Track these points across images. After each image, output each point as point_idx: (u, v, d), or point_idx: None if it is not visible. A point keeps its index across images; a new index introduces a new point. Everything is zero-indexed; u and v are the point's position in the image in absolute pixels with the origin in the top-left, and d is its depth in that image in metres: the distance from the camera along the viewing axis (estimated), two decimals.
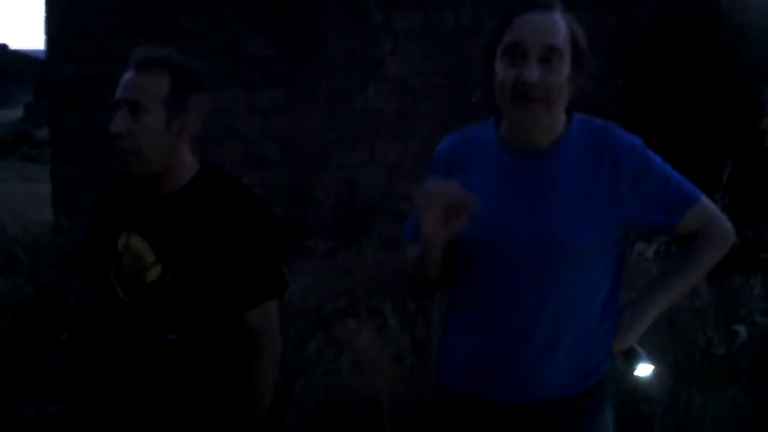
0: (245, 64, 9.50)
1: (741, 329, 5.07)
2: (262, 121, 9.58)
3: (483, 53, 2.48)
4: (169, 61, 2.64)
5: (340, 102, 9.48)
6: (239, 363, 2.75)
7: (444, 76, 9.43)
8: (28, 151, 30.14)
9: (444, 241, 2.39)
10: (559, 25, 2.38)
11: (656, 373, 3.97)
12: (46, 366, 5.42)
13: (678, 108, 8.28)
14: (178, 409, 2.68)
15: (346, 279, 6.85)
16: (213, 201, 2.67)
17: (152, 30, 9.01)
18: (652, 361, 2.59)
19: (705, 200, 2.53)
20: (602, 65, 8.25)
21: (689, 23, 8.65)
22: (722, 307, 5.50)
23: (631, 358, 2.56)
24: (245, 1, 9.46)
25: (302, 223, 8.90)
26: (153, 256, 2.63)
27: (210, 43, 9.42)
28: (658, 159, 2.50)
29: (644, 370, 2.55)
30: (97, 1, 9.45)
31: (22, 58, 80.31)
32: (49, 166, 10.25)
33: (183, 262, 2.62)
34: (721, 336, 5.12)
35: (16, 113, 43.01)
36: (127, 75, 2.61)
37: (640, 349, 2.55)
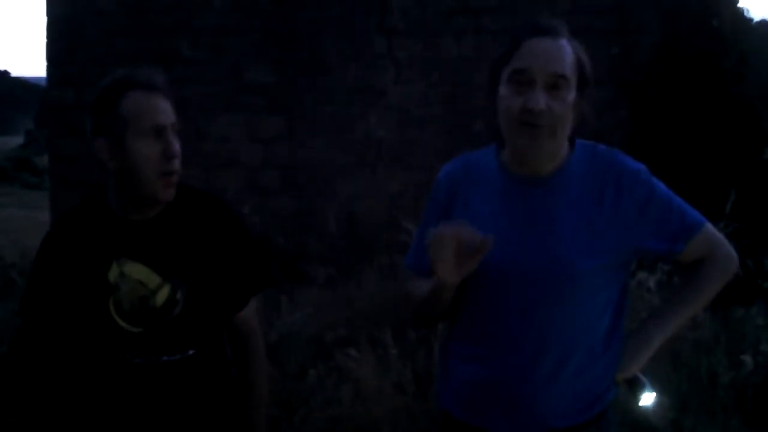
0: (246, 92, 9.47)
1: (747, 359, 5.06)
2: (262, 148, 9.55)
3: (488, 75, 2.47)
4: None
5: (341, 130, 9.45)
6: (234, 363, 2.85)
7: (446, 105, 9.41)
8: (29, 178, 30.24)
9: (457, 282, 2.37)
10: (566, 52, 2.37)
11: (660, 403, 3.94)
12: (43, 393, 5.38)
13: (681, 137, 8.26)
14: (198, 419, 2.70)
15: (346, 308, 6.81)
16: (197, 212, 2.70)
17: (153, 56, 8.98)
18: (656, 390, 2.56)
19: (709, 227, 2.53)
20: (604, 94, 8.25)
21: (692, 51, 8.65)
22: (725, 336, 5.48)
23: (634, 387, 2.53)
24: (246, 28, 9.45)
25: (303, 251, 8.86)
26: (158, 278, 2.60)
27: (210, 69, 9.42)
28: (662, 186, 2.49)
29: (648, 399, 2.52)
30: (98, 27, 9.45)
31: (24, 84, 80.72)
32: (49, 192, 10.21)
33: (191, 276, 2.62)
34: (725, 365, 5.09)
35: (17, 140, 43.19)
36: (159, 99, 2.59)
37: (643, 378, 2.53)
